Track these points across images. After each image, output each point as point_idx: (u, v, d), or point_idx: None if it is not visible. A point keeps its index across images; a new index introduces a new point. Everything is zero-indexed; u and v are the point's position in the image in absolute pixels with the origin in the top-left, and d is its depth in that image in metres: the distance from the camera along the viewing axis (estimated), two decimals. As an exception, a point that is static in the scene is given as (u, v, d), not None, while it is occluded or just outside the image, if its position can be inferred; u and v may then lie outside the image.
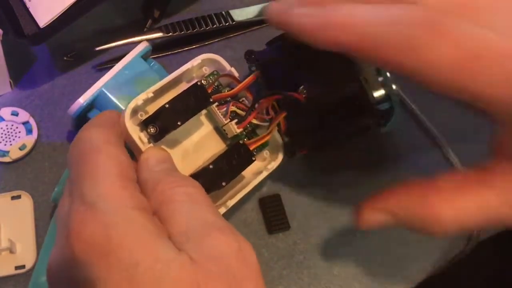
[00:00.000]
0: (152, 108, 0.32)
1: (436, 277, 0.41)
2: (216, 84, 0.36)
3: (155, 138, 0.31)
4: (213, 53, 0.35)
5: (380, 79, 0.35)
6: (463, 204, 0.28)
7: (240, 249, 0.25)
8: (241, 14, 0.45)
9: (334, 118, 0.36)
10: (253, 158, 0.33)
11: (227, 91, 0.36)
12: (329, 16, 0.27)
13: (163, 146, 0.33)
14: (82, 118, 0.37)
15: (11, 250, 0.37)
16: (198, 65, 0.35)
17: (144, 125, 0.31)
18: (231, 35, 0.45)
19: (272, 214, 0.40)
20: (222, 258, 0.25)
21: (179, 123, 0.31)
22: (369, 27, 0.26)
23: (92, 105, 0.37)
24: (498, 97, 0.25)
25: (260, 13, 0.45)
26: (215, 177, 0.31)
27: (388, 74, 0.35)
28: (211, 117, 0.35)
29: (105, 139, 0.28)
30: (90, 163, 0.27)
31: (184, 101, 0.32)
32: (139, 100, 0.31)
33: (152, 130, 0.31)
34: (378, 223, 0.31)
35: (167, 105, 0.31)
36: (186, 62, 0.35)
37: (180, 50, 0.44)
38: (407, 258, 0.40)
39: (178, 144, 0.34)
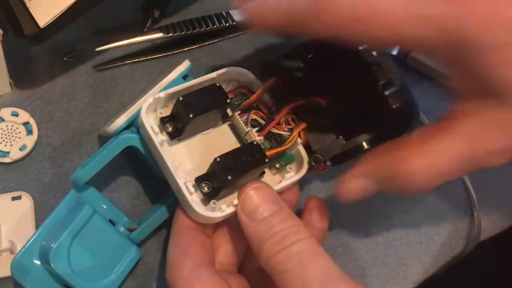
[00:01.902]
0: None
1: (436, 277, 0.41)
2: (237, 93, 0.36)
3: (173, 136, 0.33)
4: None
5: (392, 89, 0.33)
6: (432, 153, 0.28)
7: None
8: (241, 14, 0.45)
9: (354, 127, 0.34)
10: (266, 160, 0.33)
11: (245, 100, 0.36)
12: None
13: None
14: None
15: (11, 251, 0.37)
16: (223, 75, 0.36)
17: (162, 123, 0.33)
18: (231, 36, 0.45)
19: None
20: None
21: (191, 115, 0.32)
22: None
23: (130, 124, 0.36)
24: (412, 36, 0.26)
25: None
26: (221, 170, 0.31)
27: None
28: (234, 130, 0.36)
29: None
30: None
31: (200, 97, 0.33)
32: (156, 95, 0.33)
33: (169, 128, 0.33)
34: (359, 190, 0.31)
35: (180, 98, 0.32)
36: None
37: (180, 50, 0.44)
38: (408, 258, 0.40)
39: (201, 156, 0.35)
